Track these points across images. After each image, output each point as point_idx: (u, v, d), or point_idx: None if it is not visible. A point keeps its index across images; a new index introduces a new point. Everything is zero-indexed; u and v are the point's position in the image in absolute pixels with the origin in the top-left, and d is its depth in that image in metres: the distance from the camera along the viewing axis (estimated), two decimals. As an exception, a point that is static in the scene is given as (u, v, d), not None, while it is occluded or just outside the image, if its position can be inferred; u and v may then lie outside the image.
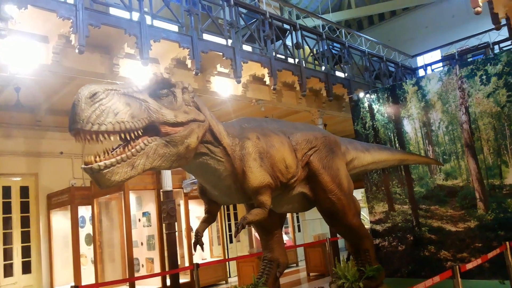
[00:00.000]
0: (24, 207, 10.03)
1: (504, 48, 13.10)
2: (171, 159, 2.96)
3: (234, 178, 3.67)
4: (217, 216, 4.32)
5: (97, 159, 2.67)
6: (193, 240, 4.05)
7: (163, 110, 2.94)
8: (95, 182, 2.77)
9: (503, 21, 6.65)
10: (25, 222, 9.95)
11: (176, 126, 2.97)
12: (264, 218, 3.77)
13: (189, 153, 3.13)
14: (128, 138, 2.75)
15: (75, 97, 2.65)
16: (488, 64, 6.43)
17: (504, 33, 9.14)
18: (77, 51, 6.14)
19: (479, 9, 5.52)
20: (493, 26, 6.73)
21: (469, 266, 4.36)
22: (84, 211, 10.04)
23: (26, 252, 9.86)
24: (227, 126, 3.88)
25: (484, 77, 6.44)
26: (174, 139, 2.95)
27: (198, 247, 4.00)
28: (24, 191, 10.09)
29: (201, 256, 11.17)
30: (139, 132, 2.80)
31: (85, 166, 2.66)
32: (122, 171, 2.70)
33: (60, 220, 10.21)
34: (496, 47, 13.92)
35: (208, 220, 4.20)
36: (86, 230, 10.14)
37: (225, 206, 11.88)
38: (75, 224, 9.65)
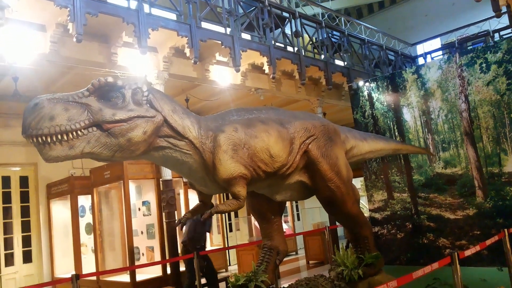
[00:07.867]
0: (24, 197, 10.06)
1: (504, 36, 13.03)
2: (113, 149, 3.15)
3: (205, 170, 3.72)
4: (209, 205, 4.35)
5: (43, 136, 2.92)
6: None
7: (104, 111, 3.11)
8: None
9: (504, 9, 6.59)
10: (25, 212, 9.99)
11: (116, 123, 3.14)
12: (238, 208, 3.83)
13: (134, 146, 3.23)
14: (67, 139, 2.97)
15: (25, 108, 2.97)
16: (488, 52, 6.41)
17: (504, 20, 9.08)
18: (75, 39, 6.10)
19: (479, -4, 5.48)
20: (493, 14, 6.68)
21: (467, 253, 4.37)
22: (84, 201, 10.07)
23: (26, 241, 9.92)
24: (209, 119, 3.91)
25: (484, 65, 6.42)
26: (114, 132, 3.13)
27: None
28: (24, 181, 10.12)
29: (201, 245, 11.22)
30: (80, 132, 3.01)
31: (26, 135, 2.91)
32: (59, 148, 2.97)
33: (60, 210, 10.25)
34: (496, 35, 13.83)
35: (200, 207, 4.30)
36: (86, 219, 10.19)
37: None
38: (75, 214, 9.69)
